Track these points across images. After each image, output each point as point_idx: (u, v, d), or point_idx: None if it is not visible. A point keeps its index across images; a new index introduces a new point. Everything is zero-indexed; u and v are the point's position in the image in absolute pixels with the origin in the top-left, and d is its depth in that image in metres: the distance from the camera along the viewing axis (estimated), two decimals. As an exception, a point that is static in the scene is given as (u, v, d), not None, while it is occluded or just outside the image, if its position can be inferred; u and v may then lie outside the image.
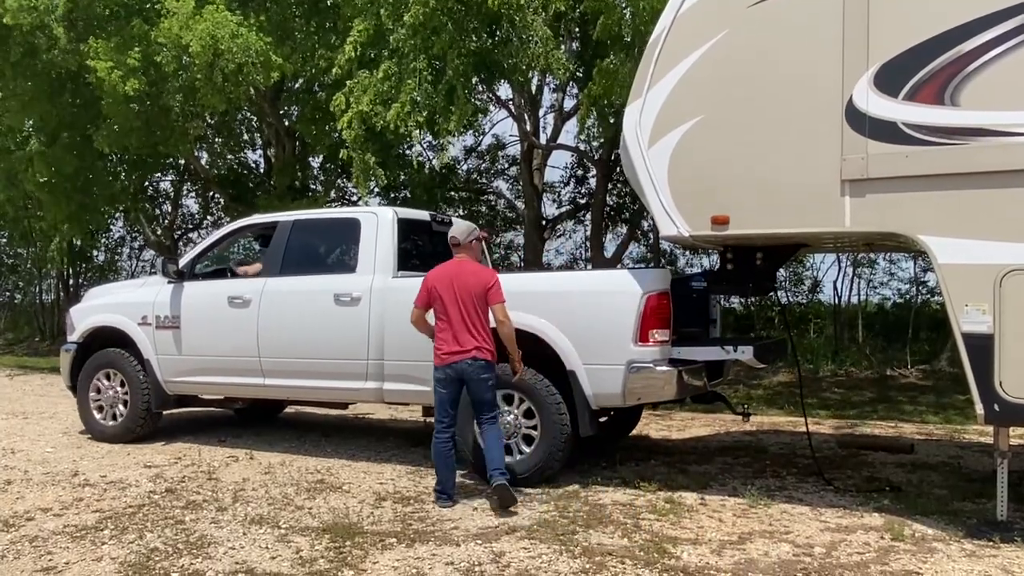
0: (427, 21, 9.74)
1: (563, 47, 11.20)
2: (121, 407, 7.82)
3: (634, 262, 17.86)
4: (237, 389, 7.51)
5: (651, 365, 5.68)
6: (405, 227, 6.97)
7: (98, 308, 8.14)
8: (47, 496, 5.88)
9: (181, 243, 22.54)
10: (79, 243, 21.46)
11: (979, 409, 4.67)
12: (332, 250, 7.69)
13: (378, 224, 6.80)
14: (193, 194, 22.18)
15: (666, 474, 6.48)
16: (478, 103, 12.66)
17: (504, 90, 15.26)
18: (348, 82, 10.45)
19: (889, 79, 4.83)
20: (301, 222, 7.42)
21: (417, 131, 10.52)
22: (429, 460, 7.06)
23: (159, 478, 6.39)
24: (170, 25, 10.84)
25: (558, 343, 5.91)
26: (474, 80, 11.10)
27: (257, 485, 6.19)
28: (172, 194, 21.71)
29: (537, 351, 5.96)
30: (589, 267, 16.35)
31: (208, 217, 22.87)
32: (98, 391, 7.92)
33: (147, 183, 19.99)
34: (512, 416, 6.08)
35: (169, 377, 7.59)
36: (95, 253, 23.85)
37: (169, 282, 7.61)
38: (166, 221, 21.28)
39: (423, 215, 7.54)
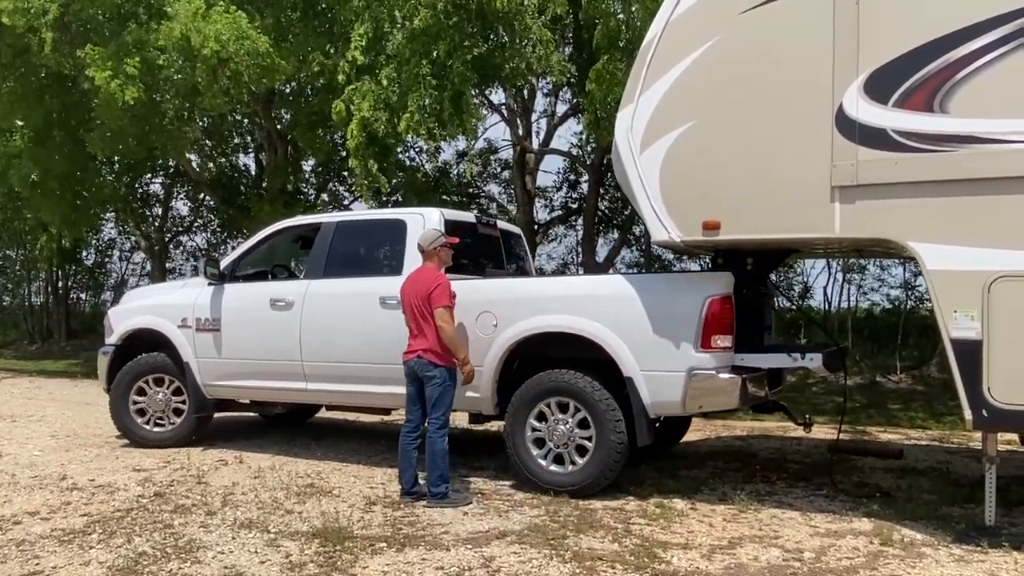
0: (429, 28, 9.78)
1: (560, 51, 11.21)
2: (171, 412, 7.69)
3: (626, 267, 17.90)
4: (278, 393, 7.38)
5: (714, 372, 5.49)
6: (451, 228, 6.67)
7: (137, 310, 8.01)
8: (35, 500, 5.84)
9: (171, 246, 22.48)
10: (68, 244, 21.37)
11: (967, 415, 4.70)
12: (377, 252, 7.44)
13: (424, 225, 6.59)
14: (184, 196, 22.12)
15: (656, 479, 6.48)
16: (479, 104, 12.74)
17: (497, 95, 15.33)
18: (347, 89, 10.44)
19: (879, 86, 4.86)
20: (345, 224, 7.32)
21: (428, 137, 10.57)
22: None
23: (148, 482, 6.35)
24: (172, 28, 10.78)
25: (615, 348, 5.70)
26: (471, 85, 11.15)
27: (247, 489, 6.16)
28: (162, 196, 21.64)
29: (592, 357, 5.83)
30: (581, 272, 16.36)
31: (199, 220, 22.82)
32: (143, 395, 7.74)
33: (138, 185, 19.91)
34: (565, 425, 5.88)
35: (209, 381, 7.45)
36: (85, 255, 23.75)
37: (210, 284, 7.48)
38: (156, 223, 21.20)
39: (468, 216, 7.45)
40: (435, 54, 10.11)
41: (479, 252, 7.12)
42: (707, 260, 7.34)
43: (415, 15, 9.72)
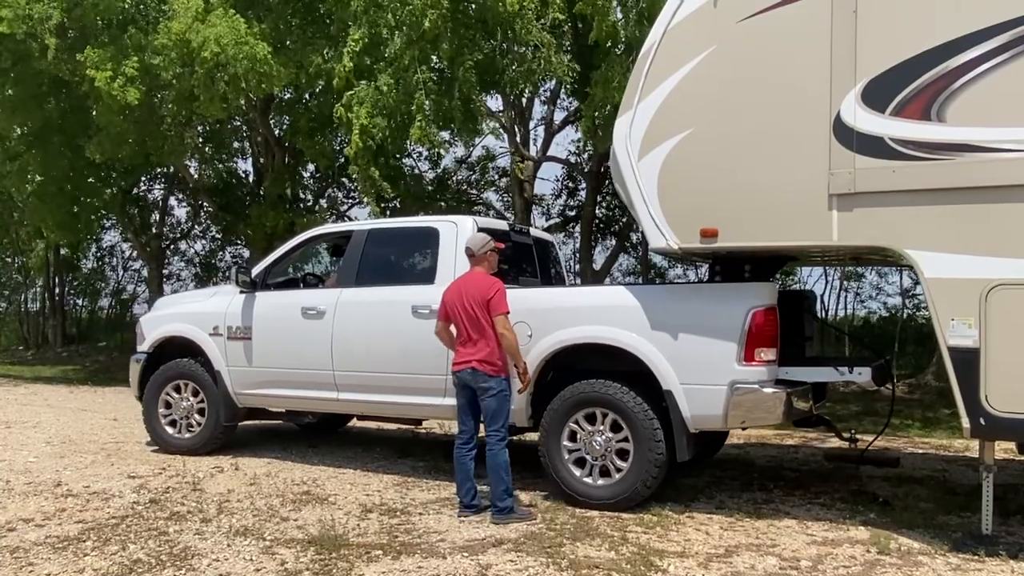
0: (427, 32, 9.81)
1: (560, 55, 11.23)
2: (197, 416, 7.66)
3: (623, 275, 17.92)
4: (309, 403, 7.31)
5: (757, 386, 5.32)
6: None
7: (168, 318, 7.97)
8: (29, 506, 5.81)
9: (169, 252, 22.47)
10: (68, 252, 21.35)
11: (965, 423, 4.69)
12: (409, 260, 7.42)
13: (457, 233, 6.51)
14: (182, 203, 22.13)
15: (654, 487, 6.46)
16: (483, 111, 12.81)
17: (495, 102, 15.35)
18: (346, 95, 10.45)
19: (876, 95, 4.87)
20: (376, 231, 7.23)
21: (434, 145, 10.62)
22: (416, 471, 7.07)
23: (143, 489, 6.33)
24: (170, 28, 10.77)
25: (653, 361, 5.56)
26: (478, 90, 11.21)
27: (242, 496, 6.14)
28: (160, 203, 21.65)
29: (630, 369, 5.70)
30: (577, 280, 16.36)
31: (197, 226, 22.82)
32: (169, 404, 7.75)
33: (135, 191, 19.92)
34: (602, 437, 5.75)
35: (240, 389, 7.41)
36: (83, 262, 23.74)
37: (241, 292, 7.43)
38: (154, 230, 21.21)
39: (502, 224, 7.39)
40: (435, 60, 10.13)
41: (512, 260, 6.99)
42: (704, 268, 7.33)
43: (422, 20, 9.69)
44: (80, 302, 25.33)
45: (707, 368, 5.44)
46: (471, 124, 10.68)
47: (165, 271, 21.88)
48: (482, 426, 5.71)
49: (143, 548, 4.84)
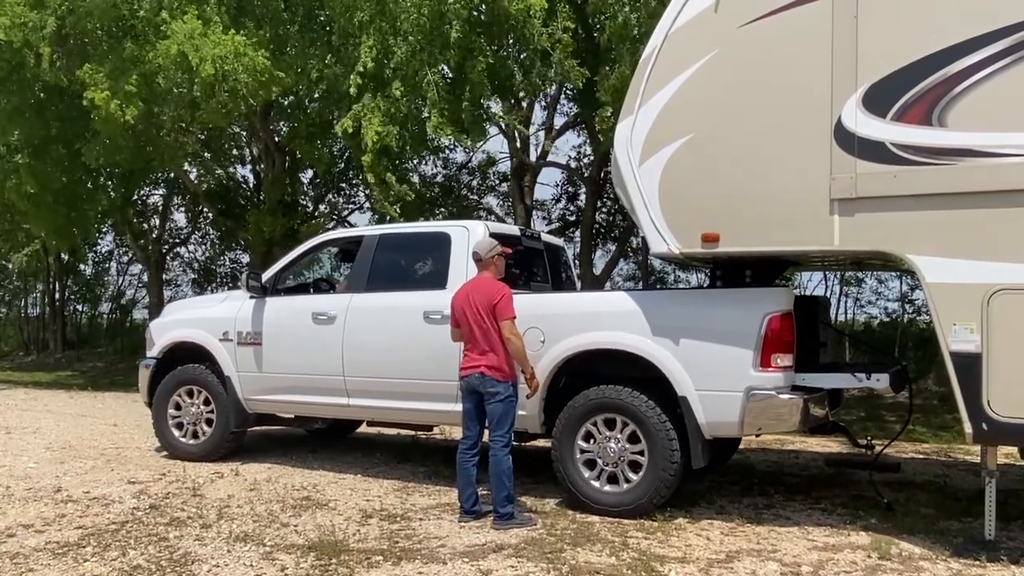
0: (434, 39, 9.87)
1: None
2: (204, 425, 7.63)
3: (623, 279, 17.91)
4: (320, 409, 7.28)
5: (773, 392, 5.26)
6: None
7: (178, 323, 7.96)
8: (29, 512, 5.80)
9: (169, 257, 22.47)
10: (66, 256, 21.34)
11: (967, 427, 4.68)
12: (421, 265, 7.40)
13: (469, 238, 6.47)
14: (182, 208, 22.13)
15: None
16: (500, 115, 12.86)
17: (495, 107, 15.36)
18: (355, 107, 10.48)
19: (877, 99, 4.87)
20: (388, 236, 7.20)
21: (454, 139, 10.73)
22: (417, 476, 7.07)
23: (143, 494, 6.32)
24: (168, 46, 10.78)
25: (668, 367, 5.52)
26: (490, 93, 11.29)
27: (242, 502, 6.13)
28: (160, 208, 21.65)
29: (644, 375, 5.67)
30: (578, 284, 16.37)
31: (196, 231, 22.82)
32: (179, 407, 7.74)
33: (135, 197, 19.92)
34: (616, 443, 5.70)
35: (250, 395, 7.38)
36: (83, 267, 23.73)
37: (251, 297, 7.41)
38: (154, 235, 21.21)
39: (513, 230, 7.39)
40: (443, 66, 10.18)
41: (524, 265, 6.98)
42: (705, 273, 7.31)
43: (445, 29, 9.73)
44: (80, 307, 25.33)
45: (723, 374, 5.39)
46: (479, 127, 10.70)
47: (165, 276, 21.86)
48: (487, 431, 5.70)
49: (143, 554, 4.83)
